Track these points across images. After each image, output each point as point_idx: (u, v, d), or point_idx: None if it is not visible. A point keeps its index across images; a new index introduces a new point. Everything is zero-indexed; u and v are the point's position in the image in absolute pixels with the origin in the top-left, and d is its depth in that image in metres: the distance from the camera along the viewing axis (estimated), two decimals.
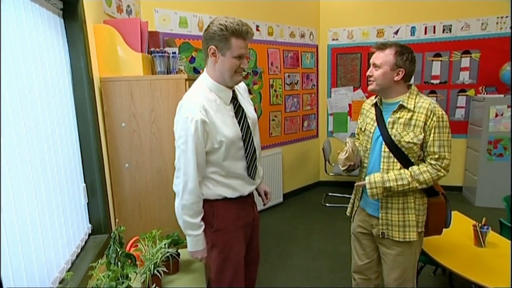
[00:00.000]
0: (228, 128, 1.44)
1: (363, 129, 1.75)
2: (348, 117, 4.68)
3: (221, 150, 1.43)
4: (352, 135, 4.66)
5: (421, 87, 4.31)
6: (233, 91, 1.52)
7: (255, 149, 1.56)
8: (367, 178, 1.61)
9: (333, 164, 4.20)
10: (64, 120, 1.55)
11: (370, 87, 1.64)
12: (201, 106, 1.38)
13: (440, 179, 1.56)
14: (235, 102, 1.52)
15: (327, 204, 4.20)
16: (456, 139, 4.29)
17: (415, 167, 1.55)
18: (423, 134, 1.53)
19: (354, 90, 4.61)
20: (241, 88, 1.62)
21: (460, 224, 2.28)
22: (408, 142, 1.54)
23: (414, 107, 1.55)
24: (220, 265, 1.53)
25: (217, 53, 1.39)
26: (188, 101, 1.42)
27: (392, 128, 1.58)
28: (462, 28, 4.14)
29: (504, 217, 2.26)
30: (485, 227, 1.97)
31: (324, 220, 3.74)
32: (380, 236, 1.67)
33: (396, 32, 4.35)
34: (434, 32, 4.23)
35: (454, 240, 2.08)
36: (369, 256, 1.82)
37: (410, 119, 1.55)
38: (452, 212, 2.44)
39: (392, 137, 1.57)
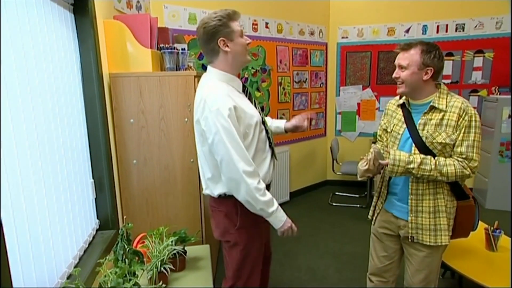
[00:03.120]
0: (251, 111, 1.49)
1: (389, 130, 1.68)
2: (357, 116, 4.63)
3: (250, 133, 1.47)
4: (360, 134, 4.62)
5: None
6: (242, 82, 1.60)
7: (271, 131, 1.65)
8: (392, 152, 1.51)
9: (340, 163, 4.17)
10: (73, 115, 1.55)
11: (399, 90, 1.56)
12: (226, 94, 1.41)
13: (464, 177, 1.49)
14: (246, 90, 1.60)
15: (334, 204, 4.17)
16: None
17: (441, 158, 1.48)
18: (455, 134, 1.47)
19: (363, 89, 4.55)
20: None
21: None
22: (441, 143, 1.48)
23: (446, 107, 1.49)
24: (239, 262, 1.57)
25: (227, 42, 1.44)
26: (210, 95, 1.41)
27: (423, 129, 1.52)
28: (475, 26, 4.05)
29: None
30: (497, 231, 1.94)
31: (330, 220, 3.71)
32: (410, 240, 1.61)
33: (407, 31, 4.28)
34: (447, 31, 4.15)
35: (464, 243, 2.04)
36: (390, 257, 1.76)
37: (442, 119, 1.49)
38: None
39: (423, 138, 1.51)
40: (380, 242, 1.78)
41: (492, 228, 1.96)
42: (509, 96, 3.74)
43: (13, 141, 1.04)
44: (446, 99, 1.51)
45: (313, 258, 2.93)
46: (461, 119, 1.47)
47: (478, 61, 4.11)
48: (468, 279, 1.74)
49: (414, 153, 1.52)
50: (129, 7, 2.31)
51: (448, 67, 4.21)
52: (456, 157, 1.48)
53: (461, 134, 1.47)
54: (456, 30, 4.12)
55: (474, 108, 4.14)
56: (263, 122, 1.56)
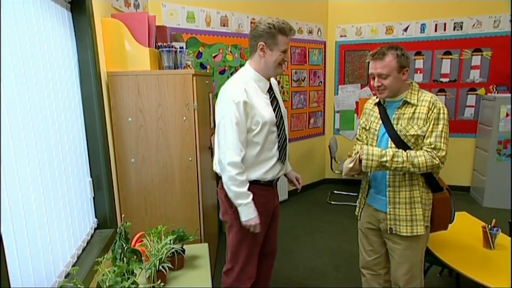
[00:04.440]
0: (265, 111, 1.60)
1: (367, 128, 1.77)
2: (355, 115, 4.64)
3: (257, 131, 1.58)
4: None
5: (430, 86, 4.24)
6: (270, 84, 1.69)
7: (286, 136, 1.72)
8: (364, 148, 1.60)
9: (339, 162, 4.17)
10: (71, 114, 1.54)
11: (383, 95, 1.63)
12: (243, 89, 1.55)
13: (434, 167, 1.56)
14: (271, 92, 1.69)
15: (332, 202, 4.18)
16: (464, 139, 4.23)
17: (412, 151, 1.57)
18: (426, 126, 1.56)
19: (361, 88, 4.56)
20: (274, 83, 1.76)
21: (468, 225, 2.25)
22: (413, 135, 1.58)
23: (417, 101, 1.59)
24: (236, 245, 1.68)
25: (266, 49, 1.58)
26: (231, 85, 1.60)
27: (397, 124, 1.61)
28: (473, 25, 4.06)
29: None
30: (494, 229, 1.94)
31: (328, 218, 3.72)
32: (388, 232, 1.68)
33: (406, 29, 4.29)
34: (445, 30, 4.16)
35: (462, 241, 2.05)
36: (377, 251, 1.82)
37: (414, 112, 1.59)
38: (460, 213, 2.43)
39: (398, 132, 1.60)
40: (366, 237, 1.85)
41: (489, 226, 1.97)
42: (506, 95, 3.75)
43: (10, 139, 1.04)
44: (417, 94, 1.62)
45: (311, 256, 2.94)
46: (430, 111, 1.56)
47: (476, 60, 4.12)
48: (465, 276, 1.74)
49: (390, 147, 1.61)
50: (127, 5, 2.31)
51: (446, 66, 4.22)
52: (425, 148, 1.57)
53: (431, 126, 1.56)
54: (454, 29, 4.13)
55: (472, 106, 4.21)
56: (278, 126, 1.65)
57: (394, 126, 1.61)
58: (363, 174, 1.75)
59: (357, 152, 1.63)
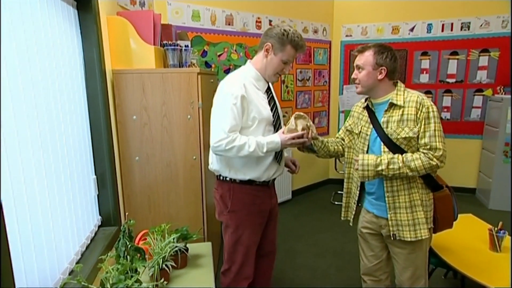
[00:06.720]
0: (262, 108, 1.60)
1: (356, 131, 1.74)
2: None
3: (253, 127, 1.57)
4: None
5: (436, 86, 4.21)
6: (268, 85, 1.71)
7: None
8: (360, 157, 1.57)
9: (343, 162, 4.15)
10: (76, 112, 1.55)
11: (357, 90, 1.66)
12: (242, 84, 1.55)
13: (433, 168, 1.52)
14: (269, 93, 1.70)
15: (335, 202, 4.16)
16: (471, 140, 4.19)
17: (408, 154, 1.54)
18: (417, 127, 1.53)
19: None
20: (271, 85, 1.76)
21: (474, 227, 2.22)
22: (405, 138, 1.54)
23: (403, 103, 1.56)
24: (232, 246, 1.69)
25: (270, 50, 1.59)
26: (229, 80, 1.60)
27: (387, 127, 1.58)
28: (481, 25, 4.02)
29: None
30: (501, 232, 1.92)
31: (332, 218, 3.70)
32: (392, 238, 1.65)
33: (412, 29, 4.25)
34: (452, 30, 4.12)
35: (467, 243, 2.03)
36: (378, 256, 1.79)
37: (402, 114, 1.55)
38: (466, 215, 2.40)
39: (389, 136, 1.57)
40: (366, 242, 1.82)
41: (496, 228, 1.95)
42: None
43: (15, 137, 1.04)
44: (403, 95, 1.59)
45: (314, 256, 2.93)
46: (419, 112, 1.53)
47: (484, 60, 4.07)
48: (470, 279, 1.73)
49: (384, 151, 1.58)
50: (133, 3, 2.31)
51: (452, 66, 4.18)
52: (422, 150, 1.54)
53: (422, 126, 1.53)
54: (461, 29, 4.09)
55: (478, 107, 4.17)
56: (275, 126, 1.65)
57: (385, 129, 1.58)
58: (308, 148, 1.74)
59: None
